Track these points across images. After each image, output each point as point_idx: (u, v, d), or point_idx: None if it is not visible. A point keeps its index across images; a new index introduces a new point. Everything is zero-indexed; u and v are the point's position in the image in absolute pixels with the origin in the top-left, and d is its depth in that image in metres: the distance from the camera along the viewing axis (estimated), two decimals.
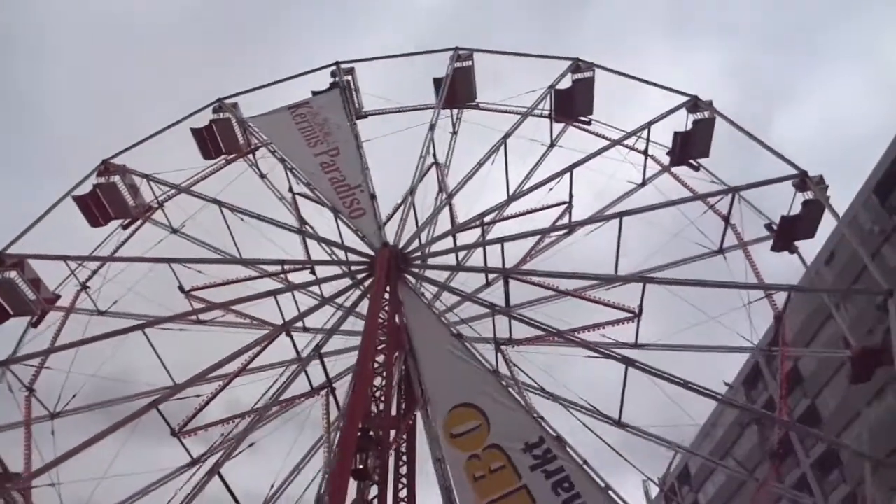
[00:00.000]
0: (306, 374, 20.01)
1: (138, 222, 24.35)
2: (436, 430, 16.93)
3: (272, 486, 19.19)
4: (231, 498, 17.78)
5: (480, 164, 23.87)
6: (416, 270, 21.55)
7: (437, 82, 26.37)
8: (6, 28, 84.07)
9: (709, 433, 48.01)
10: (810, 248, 22.88)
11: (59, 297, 22.27)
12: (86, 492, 18.05)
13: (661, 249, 22.82)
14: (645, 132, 24.20)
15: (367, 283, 21.01)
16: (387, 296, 20.02)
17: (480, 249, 22.52)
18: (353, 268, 21.56)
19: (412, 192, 23.09)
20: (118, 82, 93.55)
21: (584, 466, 16.84)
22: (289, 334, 20.00)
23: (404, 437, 19.78)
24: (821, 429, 34.41)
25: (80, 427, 20.38)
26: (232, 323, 22.46)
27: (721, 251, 22.44)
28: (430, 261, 22.01)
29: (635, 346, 20.55)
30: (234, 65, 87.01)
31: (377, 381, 17.99)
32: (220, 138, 25.79)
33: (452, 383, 17.78)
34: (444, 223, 23.61)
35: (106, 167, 23.82)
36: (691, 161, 24.02)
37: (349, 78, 26.70)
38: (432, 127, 24.71)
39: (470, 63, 26.34)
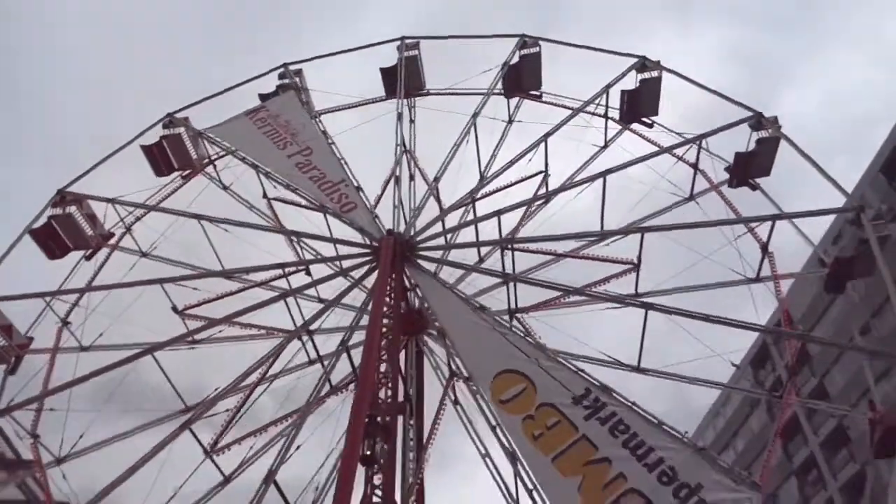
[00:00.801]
0: (328, 378, 19.80)
1: (103, 250, 23.17)
2: (479, 399, 17.25)
3: (316, 489, 18.85)
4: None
5: (457, 146, 23.91)
6: (422, 255, 21.38)
7: (385, 72, 26.24)
8: None
9: (719, 412, 49.53)
10: (817, 228, 22.84)
11: (31, 339, 20.96)
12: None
13: (636, 207, 23.27)
14: (602, 98, 24.71)
15: (372, 275, 20.68)
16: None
17: (471, 228, 22.80)
18: (357, 260, 21.22)
19: (397, 181, 22.85)
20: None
21: (633, 407, 17.13)
22: (301, 338, 19.80)
23: (411, 422, 20.01)
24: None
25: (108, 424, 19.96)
26: (237, 337, 21.86)
27: (692, 197, 23.25)
28: (430, 244, 21.75)
29: (636, 295, 20.67)
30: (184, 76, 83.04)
31: (383, 368, 17.93)
32: (171, 154, 24.60)
33: (489, 353, 17.80)
34: (428, 210, 23.46)
35: (62, 197, 22.50)
36: (644, 119, 24.65)
37: (297, 79, 26.25)
38: (400, 116, 24.57)
39: (416, 52, 26.26)
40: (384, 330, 18.43)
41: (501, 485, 18.27)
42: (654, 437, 15.58)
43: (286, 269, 21.17)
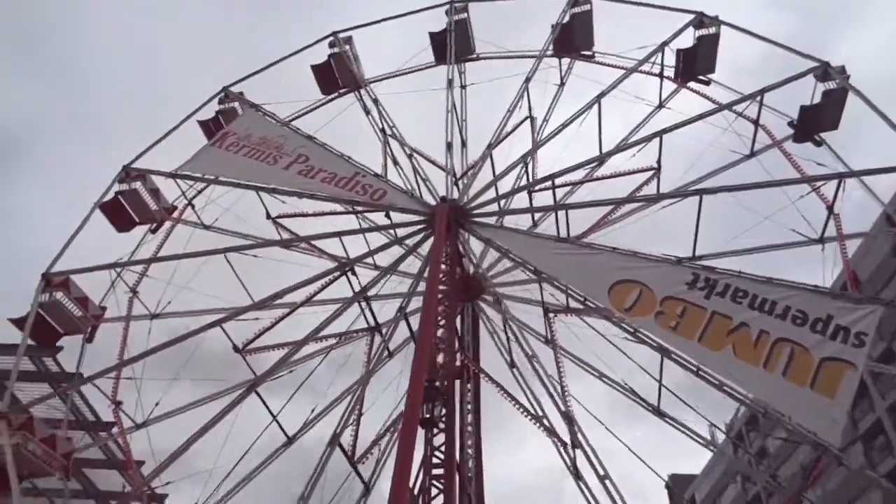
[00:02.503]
0: (364, 314, 20.51)
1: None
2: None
3: (312, 410, 20.18)
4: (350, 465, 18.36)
5: (510, 112, 23.80)
6: (477, 221, 21.40)
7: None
8: None
9: None
10: (886, 186, 20.47)
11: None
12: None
13: (694, 166, 22.54)
14: (657, 56, 23.89)
15: (426, 242, 21.07)
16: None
17: (524, 193, 22.42)
18: (412, 228, 21.45)
19: (449, 148, 22.75)
20: None
21: (741, 274, 17.43)
22: (347, 272, 20.29)
23: (469, 386, 20.51)
24: None
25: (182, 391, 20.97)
26: (306, 250, 23.28)
27: (753, 154, 22.31)
28: (482, 231, 21.48)
29: (693, 258, 19.76)
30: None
31: (440, 333, 18.28)
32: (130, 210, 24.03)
33: (593, 273, 18.39)
34: (482, 177, 23.34)
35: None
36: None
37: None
38: (450, 83, 24.34)
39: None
40: (440, 297, 18.72)
41: (557, 443, 18.70)
42: (771, 292, 16.65)
43: (356, 208, 22.01)
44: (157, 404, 20.13)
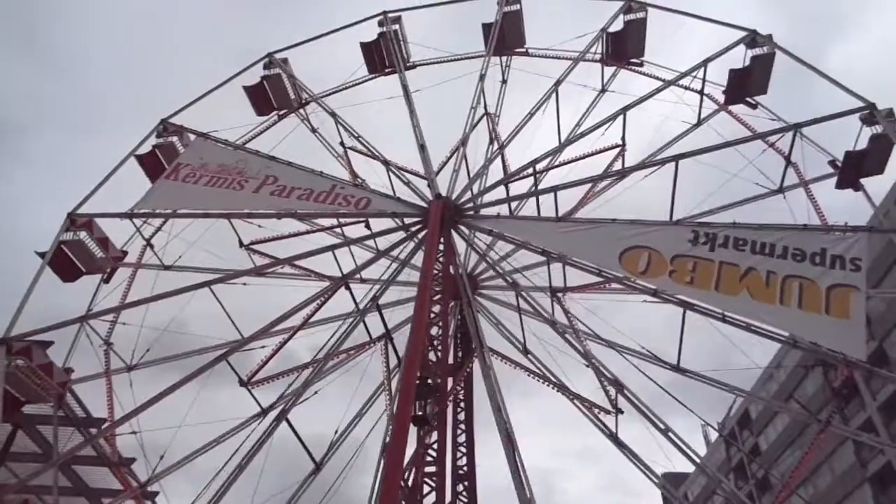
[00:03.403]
0: (365, 325, 20.72)
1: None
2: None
3: (336, 432, 20.29)
4: (299, 442, 19.14)
5: (532, 113, 23.47)
6: (469, 220, 21.71)
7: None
8: None
9: (771, 375, 47.75)
10: (878, 187, 21.74)
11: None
12: (164, 439, 19.36)
13: (717, 192, 22.27)
14: (700, 71, 23.22)
15: (420, 235, 21.29)
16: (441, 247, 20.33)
17: (534, 199, 22.34)
18: (407, 221, 21.71)
19: (464, 143, 22.87)
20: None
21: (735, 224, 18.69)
22: (348, 287, 20.56)
23: (461, 384, 20.90)
24: (889, 371, 34.39)
25: (154, 378, 21.70)
26: (291, 275, 23.10)
27: (781, 190, 21.75)
28: (483, 211, 21.97)
29: (676, 369, 19.61)
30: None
31: (434, 331, 18.55)
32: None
33: (601, 245, 19.19)
34: (496, 174, 23.72)
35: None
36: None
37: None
38: (482, 77, 24.23)
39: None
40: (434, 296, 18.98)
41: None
42: (767, 236, 18.01)
43: (341, 220, 22.17)
44: (147, 350, 21.34)
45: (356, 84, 26.17)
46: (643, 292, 19.26)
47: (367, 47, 25.98)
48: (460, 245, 22.20)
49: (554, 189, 21.11)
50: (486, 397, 18.11)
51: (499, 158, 23.79)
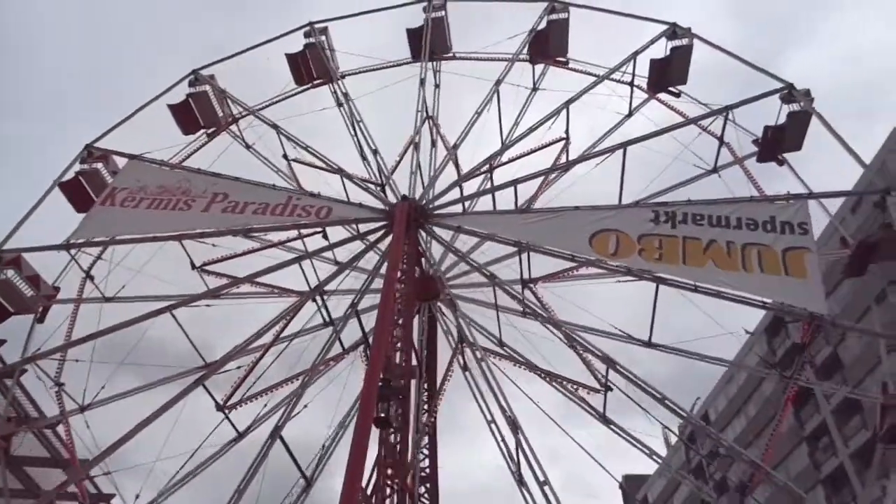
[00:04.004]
0: (338, 338, 20.23)
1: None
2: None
3: (323, 447, 19.44)
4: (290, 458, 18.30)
5: (479, 113, 23.68)
6: (437, 221, 21.52)
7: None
8: None
9: (732, 377, 49.11)
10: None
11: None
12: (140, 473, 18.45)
13: (658, 177, 22.92)
14: (629, 65, 24.15)
15: (386, 242, 20.97)
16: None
17: (489, 196, 22.50)
18: (372, 225, 21.28)
19: (416, 146, 22.69)
20: None
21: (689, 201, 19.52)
22: (316, 300, 20.00)
23: (425, 385, 20.60)
24: (842, 375, 36.19)
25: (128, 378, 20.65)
26: (253, 293, 22.16)
27: (716, 170, 22.85)
28: (448, 221, 21.66)
29: (648, 344, 19.91)
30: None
31: (397, 332, 18.29)
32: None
33: (569, 232, 19.67)
34: (446, 177, 23.49)
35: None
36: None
37: (323, 38, 25.89)
38: (422, 82, 24.27)
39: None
40: (398, 296, 18.68)
41: (503, 448, 18.79)
42: (721, 210, 19.10)
43: (302, 231, 21.24)
44: (102, 387, 19.73)
45: (290, 96, 25.64)
46: (616, 272, 19.57)
47: (293, 59, 25.50)
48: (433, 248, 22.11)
49: (514, 182, 21.37)
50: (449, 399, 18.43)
51: (449, 161, 23.76)
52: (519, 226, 20.25)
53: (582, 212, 19.94)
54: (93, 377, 19.51)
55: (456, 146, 23.59)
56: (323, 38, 25.88)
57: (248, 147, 25.12)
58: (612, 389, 19.43)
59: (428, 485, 19.04)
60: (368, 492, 15.62)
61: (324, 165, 23.34)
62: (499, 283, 20.07)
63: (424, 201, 21.81)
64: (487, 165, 22.77)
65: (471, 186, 23.37)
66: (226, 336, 20.50)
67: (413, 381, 18.86)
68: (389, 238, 20.57)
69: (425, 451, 19.69)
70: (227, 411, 19.35)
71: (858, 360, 34.51)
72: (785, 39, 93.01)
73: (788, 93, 21.54)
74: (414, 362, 19.02)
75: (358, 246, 21.63)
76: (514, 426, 17.53)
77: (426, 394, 20.80)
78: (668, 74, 24.07)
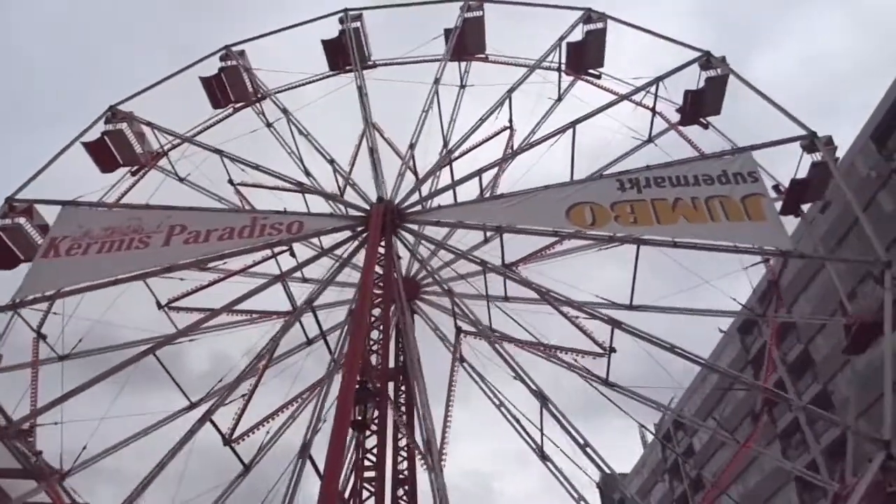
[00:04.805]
0: (301, 326, 20.19)
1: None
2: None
3: (267, 432, 19.13)
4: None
5: (483, 120, 23.87)
6: (413, 220, 21.31)
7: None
8: None
9: (706, 377, 49.52)
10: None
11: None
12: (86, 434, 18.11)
13: (601, 153, 24.15)
14: (653, 87, 23.68)
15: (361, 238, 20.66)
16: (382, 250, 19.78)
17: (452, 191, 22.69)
18: (345, 234, 20.94)
19: (372, 152, 22.45)
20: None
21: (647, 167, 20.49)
22: (284, 284, 19.82)
23: (402, 388, 20.44)
24: (813, 373, 37.22)
25: (85, 375, 19.30)
26: (232, 323, 21.61)
27: (651, 139, 24.12)
28: (426, 216, 21.47)
29: (630, 307, 20.46)
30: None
31: (374, 335, 18.19)
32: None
33: (545, 210, 20.09)
34: (407, 179, 23.14)
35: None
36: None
37: (357, 24, 25.69)
38: (437, 81, 24.18)
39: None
40: (375, 301, 18.48)
41: (519, 427, 19.14)
42: (677, 170, 20.23)
43: (275, 250, 20.36)
44: (84, 447, 18.43)
45: (221, 119, 25.33)
46: (600, 240, 20.40)
47: (207, 83, 24.96)
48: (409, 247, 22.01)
49: (479, 172, 21.88)
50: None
51: (447, 166, 23.70)
52: (496, 212, 20.48)
53: (552, 190, 20.49)
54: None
55: (412, 145, 23.29)
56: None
57: (181, 180, 24.07)
58: (615, 351, 19.69)
59: (406, 486, 18.73)
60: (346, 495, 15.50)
61: (279, 184, 22.76)
62: (459, 296, 20.36)
63: (398, 201, 21.56)
64: (448, 160, 23.03)
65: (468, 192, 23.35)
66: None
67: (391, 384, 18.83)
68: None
69: (403, 454, 19.35)
70: (233, 444, 18.42)
71: (828, 358, 35.31)
72: (749, 42, 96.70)
73: (707, 60, 22.77)
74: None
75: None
76: (543, 398, 17.79)
77: (404, 396, 20.51)
78: (585, 57, 24.84)
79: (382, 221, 19.96)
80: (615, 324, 19.10)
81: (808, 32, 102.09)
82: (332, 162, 22.34)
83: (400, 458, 19.17)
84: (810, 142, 20.46)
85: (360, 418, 15.65)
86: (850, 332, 18.61)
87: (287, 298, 20.31)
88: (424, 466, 16.88)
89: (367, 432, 16.23)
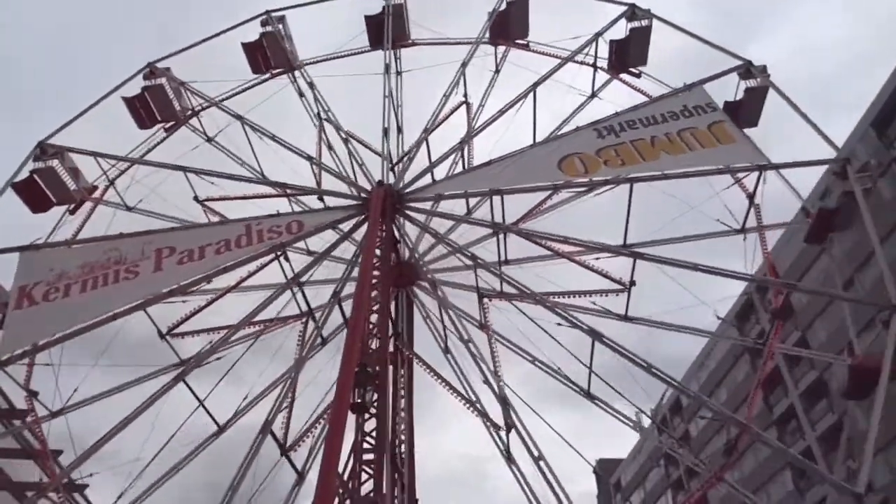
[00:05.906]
0: (296, 300, 19.91)
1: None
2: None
3: (244, 398, 19.40)
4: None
5: (446, 97, 23.61)
6: (412, 206, 21.30)
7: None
8: None
9: (703, 363, 49.86)
10: (806, 181, 23.03)
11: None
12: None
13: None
14: (591, 47, 24.08)
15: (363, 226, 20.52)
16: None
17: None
18: (348, 213, 20.95)
19: (385, 133, 22.37)
20: None
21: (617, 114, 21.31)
22: (278, 257, 19.49)
23: (402, 371, 20.60)
24: (811, 362, 36.91)
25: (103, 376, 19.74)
26: (227, 289, 21.33)
27: (594, 95, 24.44)
28: (425, 193, 21.51)
29: (625, 246, 20.67)
30: None
31: (373, 318, 18.08)
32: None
33: (537, 166, 20.71)
34: (418, 164, 23.17)
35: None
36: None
37: (280, 26, 25.23)
38: (387, 68, 23.95)
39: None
40: (374, 282, 18.45)
41: (490, 428, 19.04)
42: (643, 112, 21.33)
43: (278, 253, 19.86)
44: (74, 390, 18.78)
45: (252, 86, 25.23)
46: (589, 186, 21.38)
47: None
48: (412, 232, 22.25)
49: (488, 164, 21.46)
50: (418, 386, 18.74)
51: (460, 151, 23.44)
52: (491, 177, 20.77)
53: (538, 148, 21.41)
54: (67, 377, 18.54)
55: (427, 130, 23.28)
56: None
57: (209, 140, 24.33)
58: (635, 284, 20.59)
59: (405, 471, 18.94)
60: (345, 477, 15.51)
61: (259, 191, 22.90)
62: (480, 264, 20.11)
63: (400, 185, 21.59)
64: (459, 149, 22.83)
65: (444, 171, 23.15)
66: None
67: (390, 367, 18.79)
68: (365, 226, 20.25)
69: (402, 437, 19.58)
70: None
71: (825, 343, 34.67)
72: (744, 33, 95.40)
73: (746, 70, 21.81)
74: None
75: (334, 235, 21.28)
76: (504, 402, 17.66)
77: (403, 379, 20.64)
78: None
79: (382, 206, 19.88)
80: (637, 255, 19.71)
81: (807, 20, 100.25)
82: (346, 140, 22.51)
83: (398, 441, 19.29)
84: (746, 69, 21.79)
85: (359, 401, 15.70)
86: (852, 375, 17.95)
87: (297, 304, 20.28)
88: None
89: (367, 415, 16.25)
